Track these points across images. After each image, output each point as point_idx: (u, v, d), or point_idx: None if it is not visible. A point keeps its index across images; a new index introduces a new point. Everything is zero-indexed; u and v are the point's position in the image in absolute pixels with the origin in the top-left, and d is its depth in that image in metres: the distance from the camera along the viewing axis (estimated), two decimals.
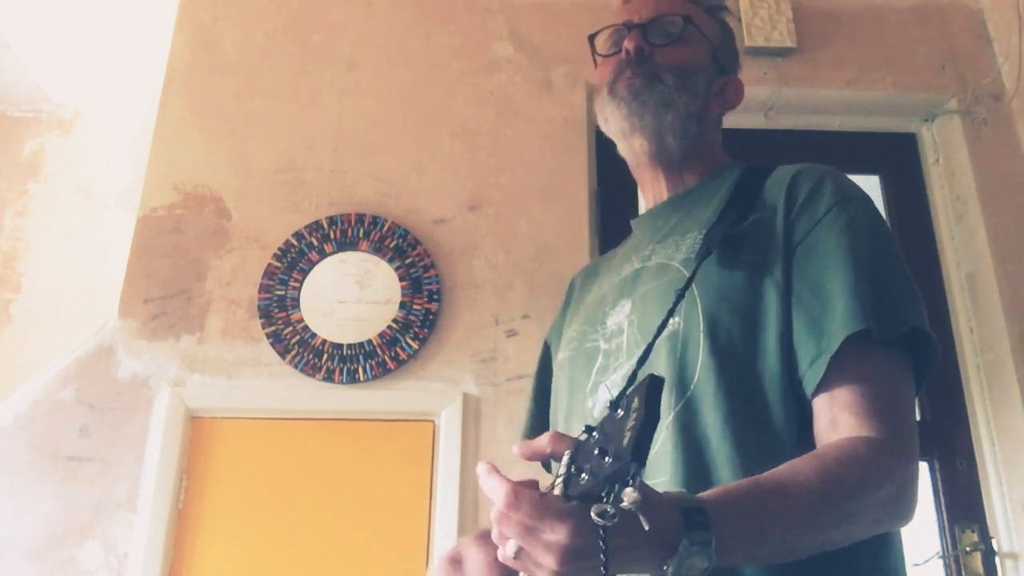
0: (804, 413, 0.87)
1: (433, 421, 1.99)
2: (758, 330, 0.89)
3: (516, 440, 2.06)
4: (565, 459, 0.66)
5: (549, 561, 0.64)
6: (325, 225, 2.14)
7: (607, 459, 0.58)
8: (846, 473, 0.78)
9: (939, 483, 2.07)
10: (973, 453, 2.09)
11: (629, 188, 2.20)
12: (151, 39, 2.49)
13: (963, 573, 1.97)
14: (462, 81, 2.33)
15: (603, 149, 2.27)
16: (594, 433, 0.63)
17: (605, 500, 0.58)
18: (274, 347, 2.02)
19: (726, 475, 0.85)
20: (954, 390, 2.16)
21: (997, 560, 1.98)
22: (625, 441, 0.57)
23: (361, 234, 2.13)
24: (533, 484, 0.70)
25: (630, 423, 0.58)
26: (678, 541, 0.67)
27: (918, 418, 2.12)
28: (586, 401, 1.01)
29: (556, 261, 2.13)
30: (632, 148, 1.11)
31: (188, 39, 2.35)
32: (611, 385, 0.97)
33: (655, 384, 0.59)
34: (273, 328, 2.03)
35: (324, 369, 2.00)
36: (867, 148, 2.43)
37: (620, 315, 1.01)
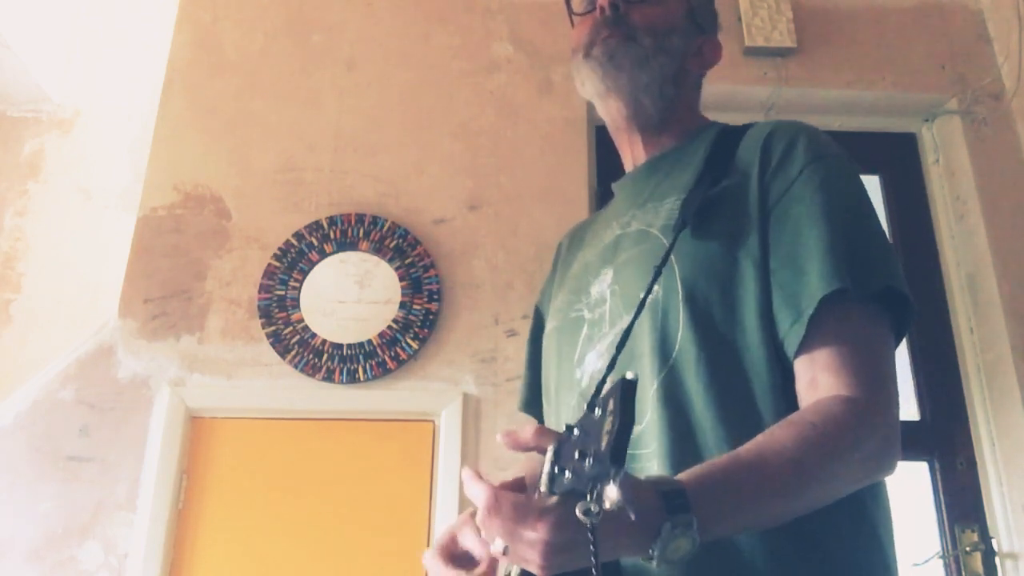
0: (787, 375, 0.87)
1: (433, 421, 1.99)
2: (736, 296, 0.90)
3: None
4: (549, 456, 0.67)
5: (534, 557, 0.66)
6: (325, 225, 2.14)
7: (588, 461, 0.61)
8: (824, 438, 0.78)
9: (939, 483, 2.07)
10: (973, 453, 2.09)
11: None
12: (151, 39, 2.49)
13: (963, 573, 1.97)
14: (462, 81, 2.33)
15: (603, 149, 2.27)
16: (575, 431, 0.65)
17: (589, 498, 0.60)
18: (274, 347, 2.02)
19: (711, 440, 0.86)
20: (954, 390, 2.16)
21: (997, 560, 1.98)
22: (603, 444, 0.59)
23: (361, 234, 2.13)
24: (519, 484, 0.71)
25: (607, 426, 0.60)
26: (660, 525, 0.68)
27: (917, 417, 2.13)
28: (574, 372, 1.01)
29: None
30: (609, 110, 1.10)
31: (188, 39, 2.35)
32: (597, 355, 0.98)
33: (629, 386, 0.61)
34: (273, 328, 2.03)
35: (324, 369, 2.00)
36: (867, 148, 2.43)
37: (603, 284, 1.02)
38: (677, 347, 0.90)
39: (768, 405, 0.86)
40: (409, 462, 1.96)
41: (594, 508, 0.60)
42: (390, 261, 2.11)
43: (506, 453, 1.95)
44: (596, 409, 0.62)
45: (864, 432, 0.80)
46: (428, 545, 1.90)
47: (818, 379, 0.84)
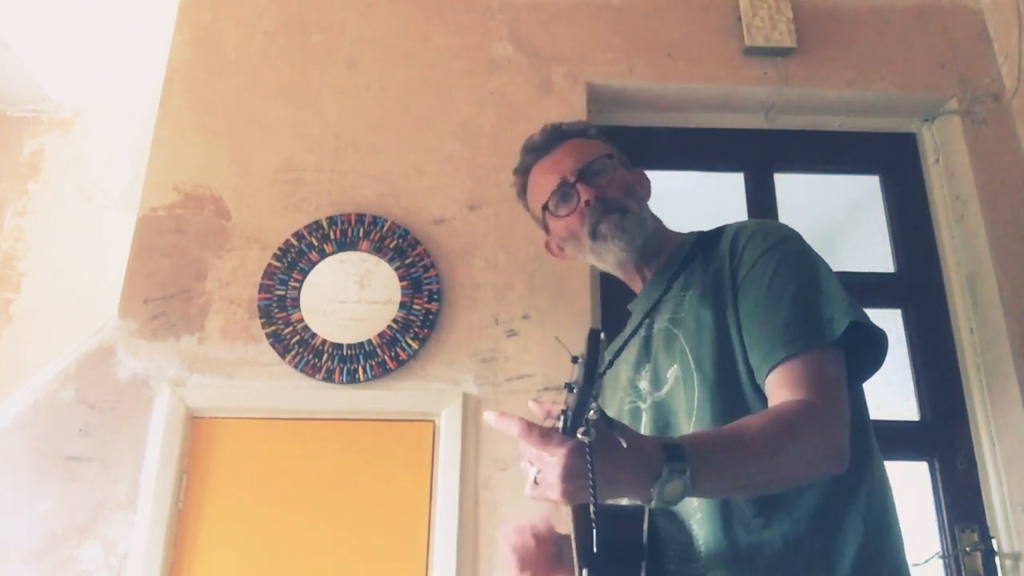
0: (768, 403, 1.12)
1: (433, 421, 1.99)
2: (728, 353, 1.16)
3: (516, 441, 2.05)
4: (559, 411, 0.87)
5: (553, 477, 0.85)
6: (325, 225, 2.14)
7: (573, 393, 0.80)
8: (784, 421, 1.02)
9: (939, 483, 2.07)
10: (973, 453, 2.09)
11: None
12: (151, 39, 2.49)
13: (963, 573, 1.97)
14: (462, 81, 2.32)
15: None
16: (571, 386, 0.83)
17: (584, 424, 0.80)
18: (274, 347, 2.02)
19: None
20: (954, 390, 2.15)
21: (997, 560, 1.98)
22: (578, 377, 0.78)
23: (361, 234, 2.13)
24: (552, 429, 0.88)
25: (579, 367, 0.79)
26: (661, 469, 0.88)
27: (917, 417, 2.14)
28: None
29: (556, 261, 2.12)
30: (625, 266, 1.36)
31: (188, 39, 2.35)
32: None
33: (594, 335, 0.79)
34: (273, 328, 2.03)
35: (324, 369, 2.00)
36: (867, 148, 2.43)
37: (648, 379, 1.27)
38: (696, 404, 1.15)
39: None
40: (409, 462, 1.96)
41: (586, 426, 0.79)
42: (390, 261, 2.11)
43: (506, 453, 1.95)
44: (577, 361, 0.79)
45: (815, 423, 1.03)
46: (428, 545, 1.91)
47: (780, 393, 1.08)
